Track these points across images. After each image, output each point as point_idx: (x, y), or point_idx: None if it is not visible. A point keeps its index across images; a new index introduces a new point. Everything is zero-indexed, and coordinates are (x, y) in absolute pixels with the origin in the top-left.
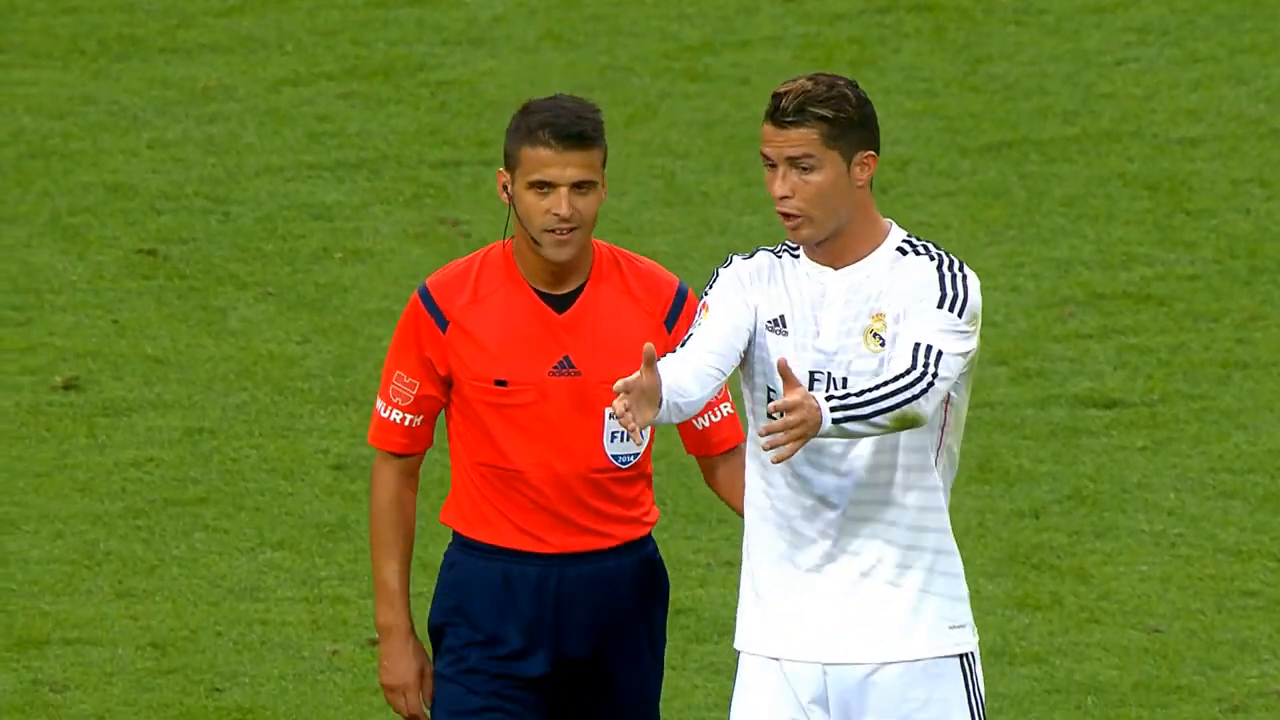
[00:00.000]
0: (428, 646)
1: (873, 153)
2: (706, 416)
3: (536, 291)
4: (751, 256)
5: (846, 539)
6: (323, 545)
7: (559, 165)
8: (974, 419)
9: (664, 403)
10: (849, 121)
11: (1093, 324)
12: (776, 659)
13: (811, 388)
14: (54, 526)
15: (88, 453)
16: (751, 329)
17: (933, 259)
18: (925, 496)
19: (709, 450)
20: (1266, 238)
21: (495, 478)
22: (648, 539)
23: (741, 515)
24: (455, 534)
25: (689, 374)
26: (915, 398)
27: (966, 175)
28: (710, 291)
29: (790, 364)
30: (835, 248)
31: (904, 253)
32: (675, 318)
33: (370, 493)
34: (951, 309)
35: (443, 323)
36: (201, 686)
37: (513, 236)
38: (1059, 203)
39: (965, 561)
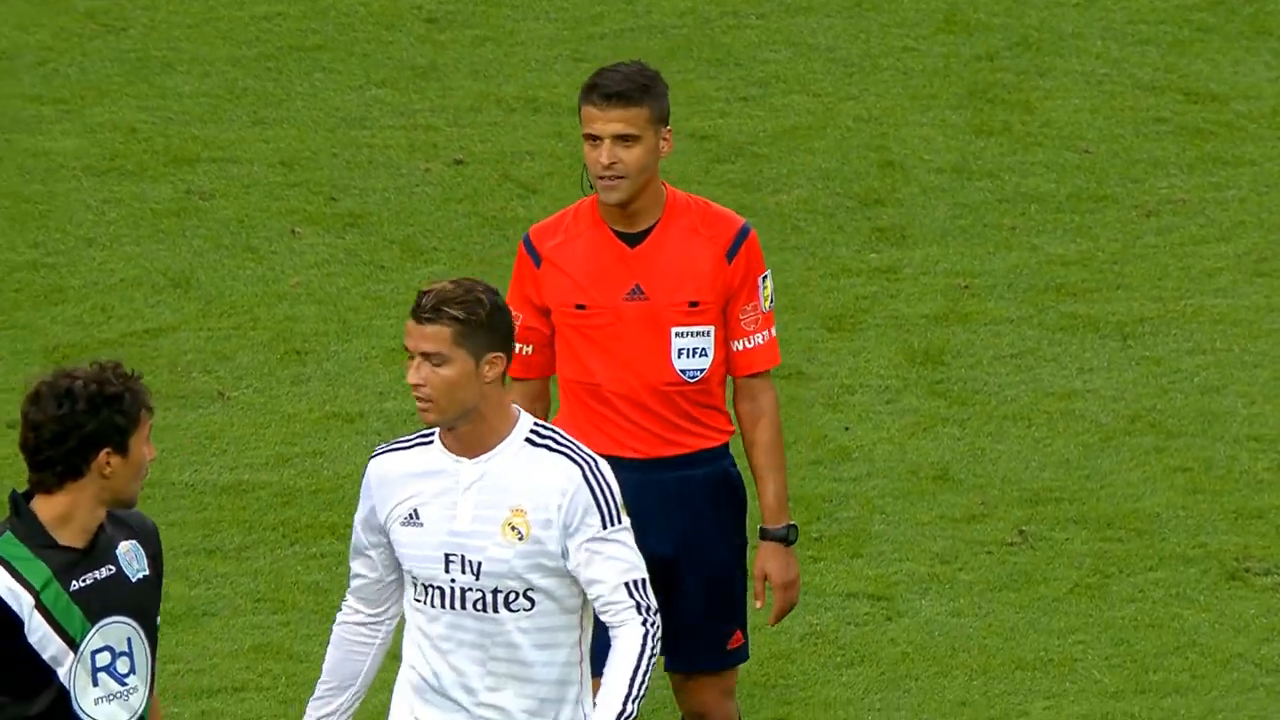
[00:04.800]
0: None
1: (501, 354)
2: (741, 342)
3: (614, 231)
4: (384, 456)
5: (490, 708)
6: (417, 84)
7: (602, 121)
8: None
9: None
10: (479, 324)
11: None
12: None
13: (447, 569)
14: (202, 68)
15: (229, 7)
16: (385, 545)
17: (573, 460)
18: (570, 653)
19: (735, 371)
20: None
21: (583, 391)
22: (723, 450)
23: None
24: None
25: (343, 657)
26: (657, 647)
27: None
28: (355, 526)
29: (427, 549)
30: (468, 438)
31: (534, 444)
32: (735, 252)
33: None
34: (616, 520)
35: (537, 260)
36: (320, 196)
37: None
38: None
39: (933, 99)
